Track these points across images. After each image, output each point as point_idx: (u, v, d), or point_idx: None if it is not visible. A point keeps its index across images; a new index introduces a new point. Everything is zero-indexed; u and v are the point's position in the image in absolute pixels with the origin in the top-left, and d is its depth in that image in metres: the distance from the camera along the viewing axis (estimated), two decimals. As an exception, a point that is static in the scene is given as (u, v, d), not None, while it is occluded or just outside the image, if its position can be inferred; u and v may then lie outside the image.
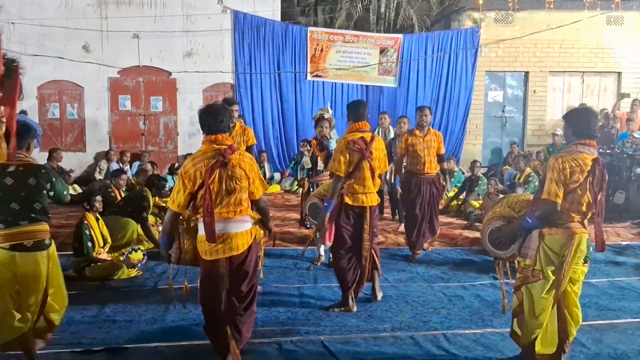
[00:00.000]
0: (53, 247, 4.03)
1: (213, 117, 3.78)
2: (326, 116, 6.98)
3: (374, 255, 5.32)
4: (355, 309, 5.21)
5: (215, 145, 3.74)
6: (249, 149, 6.11)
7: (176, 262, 4.05)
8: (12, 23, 12.06)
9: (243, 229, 3.81)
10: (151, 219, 7.67)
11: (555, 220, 3.84)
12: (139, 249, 6.82)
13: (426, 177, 6.96)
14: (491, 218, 4.36)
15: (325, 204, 5.13)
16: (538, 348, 3.98)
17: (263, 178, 4.05)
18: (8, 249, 3.82)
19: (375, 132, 8.73)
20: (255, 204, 4.01)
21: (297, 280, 6.25)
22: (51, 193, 3.98)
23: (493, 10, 13.56)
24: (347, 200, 5.09)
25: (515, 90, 14.11)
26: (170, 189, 7.95)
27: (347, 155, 5.00)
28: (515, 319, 4.09)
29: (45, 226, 3.94)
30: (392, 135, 8.70)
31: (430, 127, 7.02)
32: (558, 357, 4.00)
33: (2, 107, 2.89)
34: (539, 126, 14.09)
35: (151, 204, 7.54)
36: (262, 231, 4.17)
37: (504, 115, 14.11)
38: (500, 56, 13.65)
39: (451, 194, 10.18)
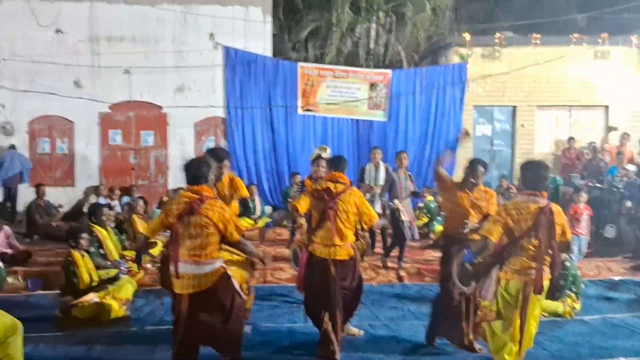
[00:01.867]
0: None
1: (190, 171, 4.31)
2: (324, 155, 6.91)
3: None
4: (338, 356, 4.90)
5: (190, 194, 4.21)
6: (244, 201, 5.68)
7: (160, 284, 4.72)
8: (4, 59, 12.11)
9: (205, 270, 4.12)
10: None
11: (510, 266, 4.18)
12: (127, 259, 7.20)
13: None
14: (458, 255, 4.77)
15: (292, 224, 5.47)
16: None
17: (253, 216, 4.37)
18: None
19: (367, 167, 8.79)
20: (235, 247, 4.46)
21: (287, 319, 6.18)
22: None
23: (480, 46, 13.76)
24: (310, 248, 5.09)
25: (503, 124, 14.22)
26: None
27: (309, 199, 5.14)
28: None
29: None
30: (382, 169, 8.62)
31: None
32: None
33: None
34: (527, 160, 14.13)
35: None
36: (246, 273, 4.70)
37: (492, 149, 14.20)
38: (487, 91, 13.79)
39: (421, 221, 10.64)
